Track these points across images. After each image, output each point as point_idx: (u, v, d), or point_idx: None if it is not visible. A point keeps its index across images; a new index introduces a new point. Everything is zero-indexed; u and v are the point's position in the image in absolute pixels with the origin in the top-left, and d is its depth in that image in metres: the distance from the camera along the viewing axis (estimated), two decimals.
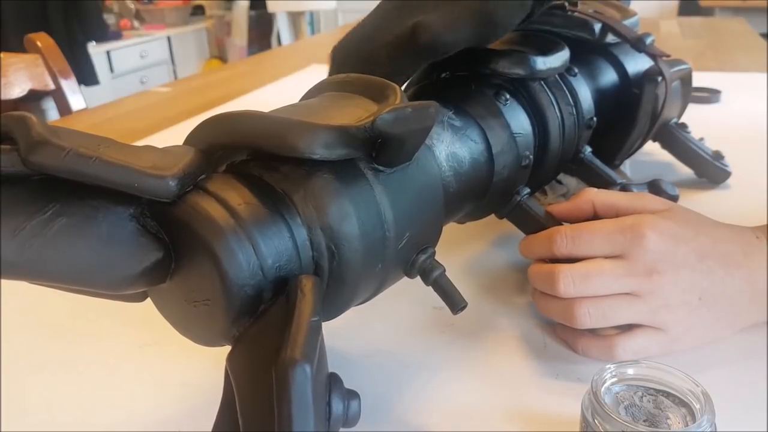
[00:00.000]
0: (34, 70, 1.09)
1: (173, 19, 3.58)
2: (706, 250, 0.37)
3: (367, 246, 0.29)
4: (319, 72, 0.89)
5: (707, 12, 3.13)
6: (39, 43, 1.10)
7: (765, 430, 0.33)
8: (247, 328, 0.26)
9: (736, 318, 0.38)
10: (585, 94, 0.48)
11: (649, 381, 0.30)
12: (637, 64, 0.55)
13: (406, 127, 0.28)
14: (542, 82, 0.45)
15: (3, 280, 0.23)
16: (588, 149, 0.52)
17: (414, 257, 0.33)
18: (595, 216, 0.41)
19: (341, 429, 0.26)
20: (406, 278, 0.35)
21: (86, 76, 2.56)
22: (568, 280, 0.37)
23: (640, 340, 0.37)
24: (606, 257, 0.37)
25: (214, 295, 0.26)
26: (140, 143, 0.28)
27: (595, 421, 0.28)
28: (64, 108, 1.12)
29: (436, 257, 0.34)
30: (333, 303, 0.30)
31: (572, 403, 0.34)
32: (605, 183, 0.50)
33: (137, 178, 0.24)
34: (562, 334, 0.40)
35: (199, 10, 3.83)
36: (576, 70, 0.48)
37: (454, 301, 0.33)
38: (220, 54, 3.84)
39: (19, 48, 1.12)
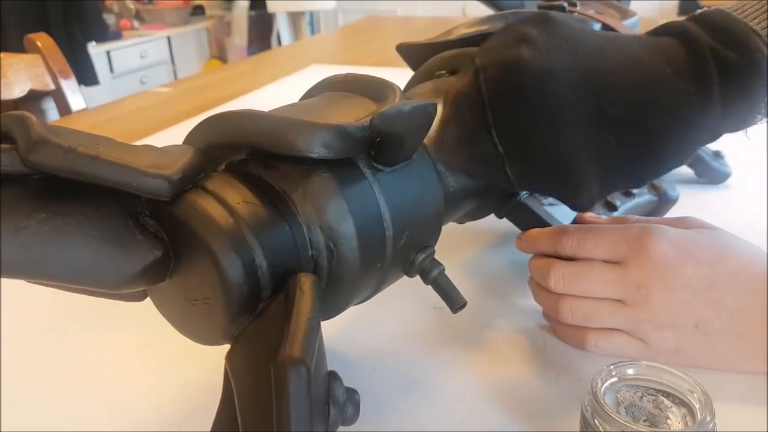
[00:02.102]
0: (34, 70, 1.09)
1: (173, 19, 3.58)
2: (722, 279, 0.35)
3: (366, 244, 0.29)
4: (319, 72, 0.89)
5: None
6: (39, 43, 1.10)
7: (765, 430, 0.33)
8: (246, 326, 0.26)
9: (742, 360, 0.36)
10: None
11: (649, 381, 0.30)
12: None
13: (405, 125, 0.28)
14: None
15: (3, 280, 0.23)
16: None
17: (413, 256, 0.33)
18: None
19: (340, 428, 0.26)
20: (406, 278, 0.35)
21: (86, 76, 2.56)
22: (559, 276, 0.38)
23: (616, 342, 0.37)
24: (606, 261, 0.37)
25: (213, 293, 0.26)
26: (140, 143, 0.28)
27: (595, 421, 0.28)
28: (64, 108, 1.12)
29: (436, 257, 0.34)
30: (332, 301, 0.30)
31: (572, 403, 0.34)
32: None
33: (136, 178, 0.24)
34: (547, 316, 0.42)
35: (199, 10, 3.83)
36: None
37: (454, 300, 0.33)
38: (220, 54, 3.84)
39: (19, 48, 1.12)
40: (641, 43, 0.33)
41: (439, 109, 0.35)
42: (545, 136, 0.30)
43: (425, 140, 0.35)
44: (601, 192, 0.32)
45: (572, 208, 0.33)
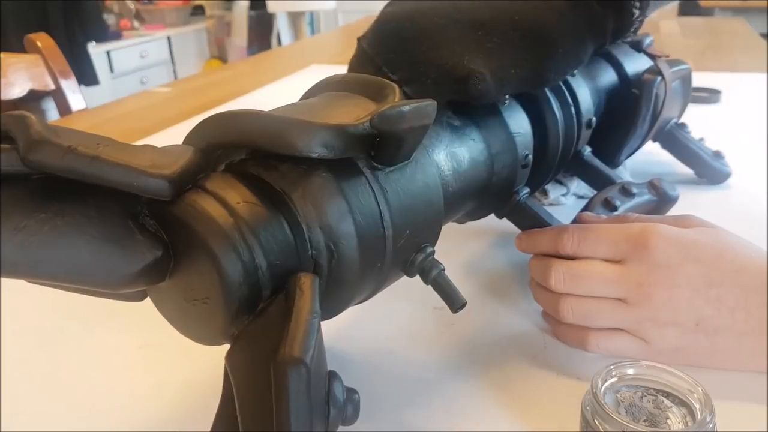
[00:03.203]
0: (34, 70, 1.09)
1: (173, 19, 3.58)
2: (722, 277, 0.35)
3: (366, 244, 0.29)
4: (319, 72, 0.89)
5: (707, 12, 3.14)
6: (39, 43, 1.11)
7: (765, 430, 0.33)
8: (246, 326, 0.26)
9: (743, 358, 0.36)
10: (584, 94, 0.48)
11: (649, 381, 0.30)
12: (636, 64, 0.55)
13: (405, 125, 0.28)
14: None
15: (3, 280, 0.23)
16: (588, 149, 0.51)
17: (413, 256, 0.33)
18: None
19: (340, 427, 0.26)
20: (406, 278, 0.35)
21: (86, 76, 2.56)
22: (560, 276, 0.38)
23: (618, 342, 0.37)
24: (606, 260, 0.37)
25: (213, 293, 0.26)
26: (140, 143, 0.28)
27: (595, 421, 0.28)
28: (64, 108, 1.12)
29: (436, 257, 0.34)
30: (332, 301, 0.30)
31: (572, 403, 0.34)
32: (605, 183, 0.50)
33: (136, 177, 0.24)
34: (546, 316, 0.42)
35: (199, 10, 3.83)
36: (575, 71, 0.48)
37: (454, 300, 0.33)
38: (220, 54, 3.84)
39: (19, 48, 1.12)
40: None
41: (450, 118, 0.39)
42: (425, 53, 0.35)
43: (427, 141, 0.35)
44: (502, 84, 0.36)
45: (473, 101, 0.36)
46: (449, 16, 0.35)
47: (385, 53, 0.36)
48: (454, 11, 0.36)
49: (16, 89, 1.07)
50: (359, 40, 0.37)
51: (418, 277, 0.34)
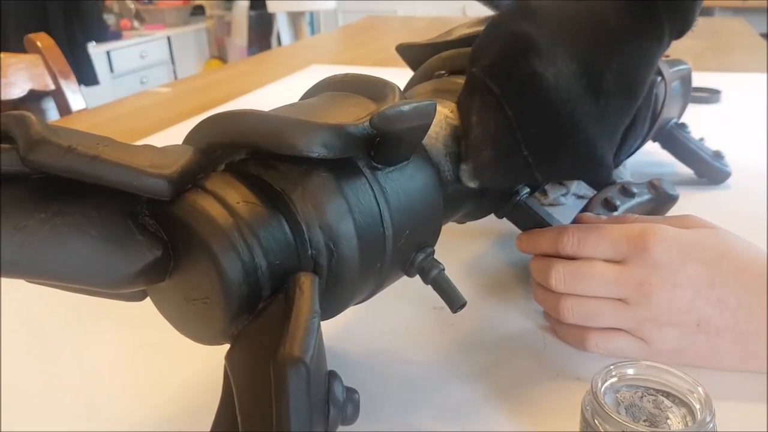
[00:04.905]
0: (34, 70, 1.09)
1: (173, 19, 3.58)
2: (724, 278, 0.35)
3: (366, 244, 0.29)
4: (319, 72, 0.89)
5: (707, 12, 3.14)
6: (39, 43, 1.10)
7: (765, 430, 0.33)
8: (245, 326, 0.26)
9: (744, 359, 0.36)
10: None
11: (649, 381, 0.30)
12: None
13: (404, 124, 0.28)
14: None
15: (3, 279, 0.23)
16: None
17: (413, 256, 0.33)
18: None
19: (340, 427, 0.26)
20: (405, 278, 0.35)
21: (86, 76, 2.56)
22: (560, 276, 0.38)
23: (618, 342, 0.37)
24: (606, 261, 0.37)
25: (213, 293, 0.26)
26: (140, 143, 0.28)
27: (595, 421, 0.28)
28: (64, 108, 1.12)
29: (436, 257, 0.34)
30: (332, 301, 0.30)
31: (572, 403, 0.34)
32: (604, 182, 0.50)
33: (136, 177, 0.24)
34: (548, 316, 0.42)
35: (199, 10, 3.83)
36: None
37: (454, 300, 0.33)
38: (220, 54, 3.84)
39: (19, 48, 1.12)
40: None
41: (450, 119, 0.37)
42: (568, 138, 0.32)
43: (427, 141, 0.35)
44: (614, 159, 0.34)
45: (594, 182, 0.36)
46: (579, 74, 0.32)
47: (528, 128, 0.32)
48: (581, 63, 0.32)
49: (16, 89, 1.07)
50: (497, 94, 0.32)
51: (418, 277, 0.34)
